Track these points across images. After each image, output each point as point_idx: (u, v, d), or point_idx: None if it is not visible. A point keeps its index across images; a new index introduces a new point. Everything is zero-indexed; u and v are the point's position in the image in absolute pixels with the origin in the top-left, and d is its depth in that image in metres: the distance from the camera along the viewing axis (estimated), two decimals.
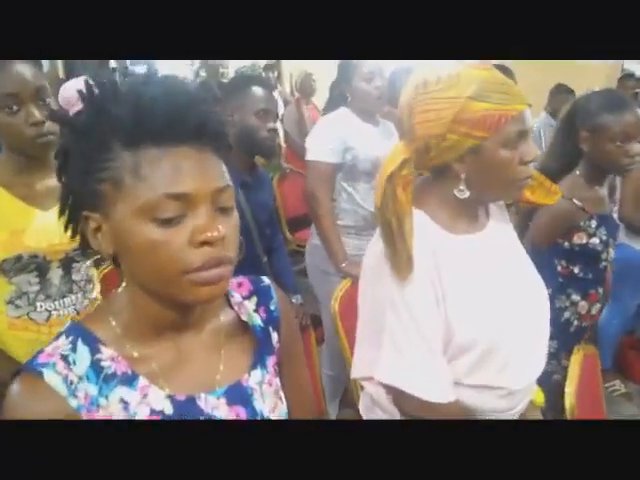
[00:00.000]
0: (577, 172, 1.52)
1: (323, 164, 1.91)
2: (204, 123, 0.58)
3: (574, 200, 1.43)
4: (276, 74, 5.16)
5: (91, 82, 0.59)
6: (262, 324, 0.74)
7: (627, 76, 4.14)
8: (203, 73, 5.22)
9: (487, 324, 0.94)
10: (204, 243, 0.57)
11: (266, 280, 0.79)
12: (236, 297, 0.74)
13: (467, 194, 0.94)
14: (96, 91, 0.59)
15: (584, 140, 1.47)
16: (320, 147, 1.93)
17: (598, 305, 1.61)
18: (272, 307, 0.76)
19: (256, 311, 0.75)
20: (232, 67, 5.93)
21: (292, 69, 4.45)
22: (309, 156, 1.95)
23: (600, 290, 1.59)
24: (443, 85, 0.89)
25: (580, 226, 1.48)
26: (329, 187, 1.94)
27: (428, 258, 0.92)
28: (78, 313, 1.21)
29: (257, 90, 1.62)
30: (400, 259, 0.90)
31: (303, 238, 2.87)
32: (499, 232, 1.05)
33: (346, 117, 1.99)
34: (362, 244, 1.97)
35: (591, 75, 3.98)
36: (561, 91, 3.89)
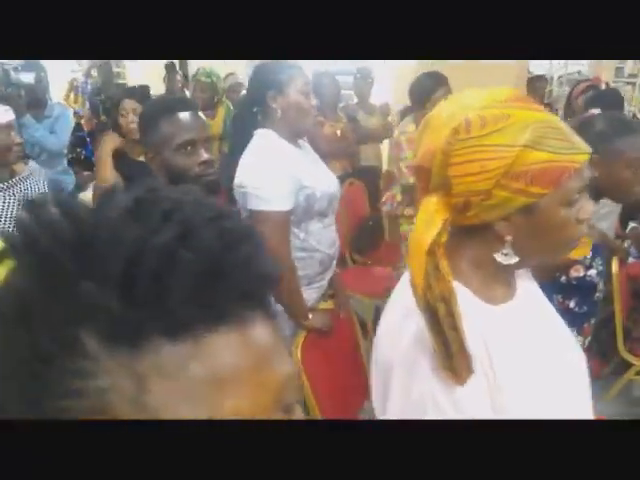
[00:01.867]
0: None
1: (279, 214, 1.45)
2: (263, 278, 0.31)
3: None
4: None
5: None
6: None
7: (537, 77, 4.25)
8: (94, 73, 4.58)
9: (546, 415, 0.74)
10: None
11: None
12: None
13: (515, 259, 0.75)
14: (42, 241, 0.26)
15: (592, 164, 1.33)
16: (274, 194, 1.45)
17: (590, 338, 1.49)
18: None
19: None
20: (129, 67, 5.37)
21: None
22: (261, 206, 1.45)
23: (593, 322, 1.47)
24: (490, 129, 0.68)
25: (577, 259, 1.34)
26: (288, 237, 1.52)
27: (479, 343, 0.72)
28: None
29: (173, 119, 1.23)
30: (454, 355, 0.68)
31: None
32: (530, 295, 0.87)
33: (281, 145, 1.53)
34: (310, 294, 1.63)
35: (500, 76, 4.01)
36: None
